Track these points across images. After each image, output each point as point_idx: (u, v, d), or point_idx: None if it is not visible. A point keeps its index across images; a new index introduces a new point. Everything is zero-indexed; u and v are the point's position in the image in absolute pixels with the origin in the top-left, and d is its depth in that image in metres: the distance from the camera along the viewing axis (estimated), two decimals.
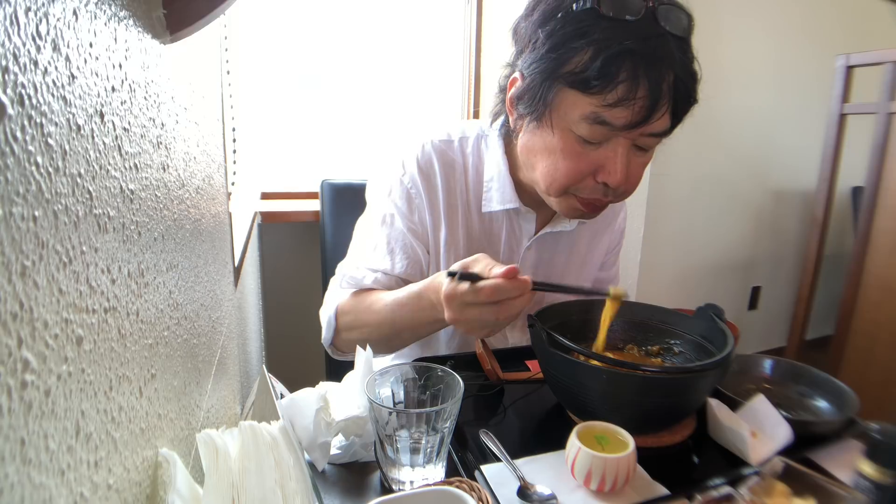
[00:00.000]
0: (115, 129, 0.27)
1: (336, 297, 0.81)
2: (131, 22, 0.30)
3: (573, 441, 0.50)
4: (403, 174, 0.79)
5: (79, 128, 0.22)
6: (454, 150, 0.81)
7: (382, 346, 0.76)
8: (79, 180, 0.22)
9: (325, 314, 0.82)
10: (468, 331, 0.61)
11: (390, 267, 0.79)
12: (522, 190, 0.79)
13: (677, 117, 0.64)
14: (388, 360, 0.91)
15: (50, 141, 0.19)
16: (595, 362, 0.56)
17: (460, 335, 0.87)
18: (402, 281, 0.80)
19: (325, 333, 0.82)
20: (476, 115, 1.73)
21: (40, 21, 0.19)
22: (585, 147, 0.64)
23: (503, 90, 0.73)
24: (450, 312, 0.60)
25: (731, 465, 0.56)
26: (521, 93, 0.66)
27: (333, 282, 0.85)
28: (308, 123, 1.59)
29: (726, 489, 0.47)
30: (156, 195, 0.34)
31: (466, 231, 0.81)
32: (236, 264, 0.79)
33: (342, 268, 0.84)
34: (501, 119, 0.78)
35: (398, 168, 0.80)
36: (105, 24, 0.26)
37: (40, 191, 0.19)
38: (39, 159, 0.19)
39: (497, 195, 0.79)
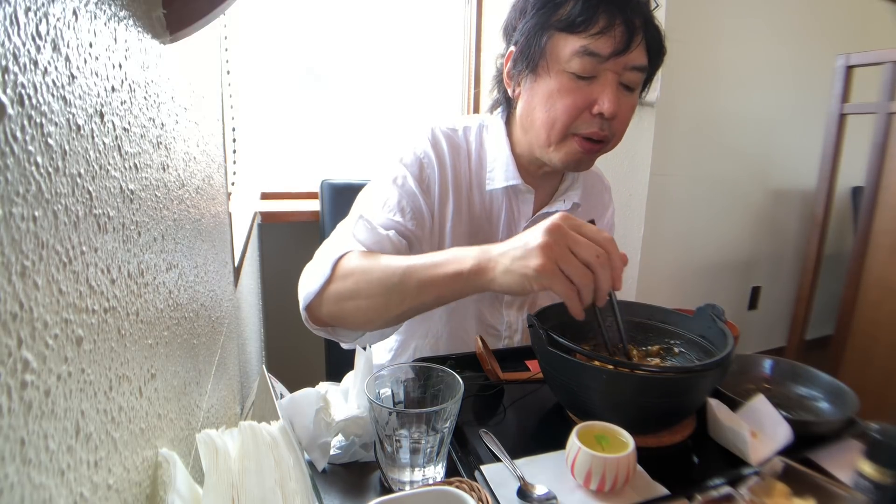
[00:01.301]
0: (115, 129, 0.27)
1: (339, 249, 0.71)
2: (131, 22, 0.30)
3: (573, 441, 0.50)
4: (416, 147, 0.82)
5: (79, 128, 0.22)
6: (459, 137, 0.86)
7: (376, 302, 0.66)
8: (79, 180, 0.22)
9: (318, 266, 0.71)
10: (548, 254, 0.53)
11: (402, 221, 0.77)
12: (522, 168, 0.84)
13: (653, 60, 0.74)
14: (387, 356, 0.91)
15: (50, 141, 0.19)
16: (595, 362, 0.56)
17: (457, 314, 0.86)
18: (413, 244, 0.78)
19: (311, 286, 0.69)
20: (476, 113, 1.73)
21: (40, 21, 0.19)
22: (579, 83, 0.72)
23: (500, 72, 0.81)
24: (560, 221, 0.55)
25: (731, 465, 0.56)
26: (517, 54, 0.76)
27: (328, 243, 0.75)
28: (308, 123, 1.59)
29: (726, 489, 0.47)
30: (156, 195, 0.34)
31: (469, 210, 0.84)
32: (236, 264, 0.79)
33: (343, 227, 0.77)
34: (501, 107, 0.85)
35: (409, 144, 0.83)
36: (105, 24, 0.26)
37: (40, 191, 0.19)
38: (39, 159, 0.19)
39: (500, 173, 0.83)
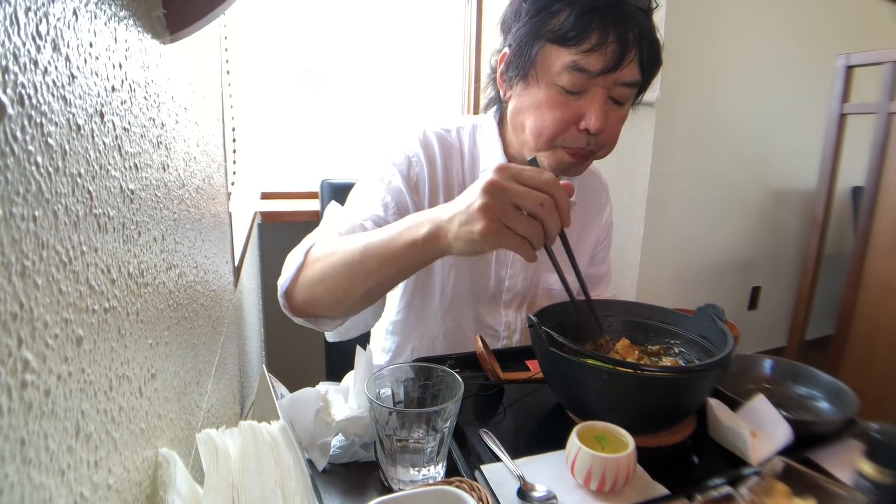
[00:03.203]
0: (115, 129, 0.27)
1: (313, 238, 0.73)
2: (131, 22, 0.30)
3: (573, 441, 0.50)
4: (406, 147, 0.82)
5: (79, 128, 0.22)
6: (451, 137, 0.85)
7: (342, 282, 0.65)
8: (79, 180, 0.22)
9: (294, 255, 0.71)
10: (490, 216, 0.51)
11: (383, 215, 0.76)
12: None
13: (645, 73, 0.73)
14: (384, 357, 0.91)
15: (50, 141, 0.19)
16: (595, 362, 0.56)
17: (454, 314, 0.85)
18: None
19: (286, 275, 0.69)
20: (476, 114, 1.73)
21: (40, 21, 0.19)
22: (567, 97, 0.71)
23: (494, 70, 0.81)
24: (497, 177, 0.52)
25: (731, 465, 0.56)
26: (510, 59, 0.76)
27: (313, 234, 0.76)
28: (308, 123, 1.59)
29: (726, 489, 0.47)
30: (156, 195, 0.34)
31: None
32: (236, 264, 0.79)
33: (326, 218, 0.78)
34: (495, 107, 0.85)
35: (399, 144, 0.83)
36: (105, 24, 0.26)
37: (40, 191, 0.19)
38: (39, 159, 0.19)
39: None
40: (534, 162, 0.59)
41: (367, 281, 0.63)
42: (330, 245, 0.68)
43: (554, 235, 0.53)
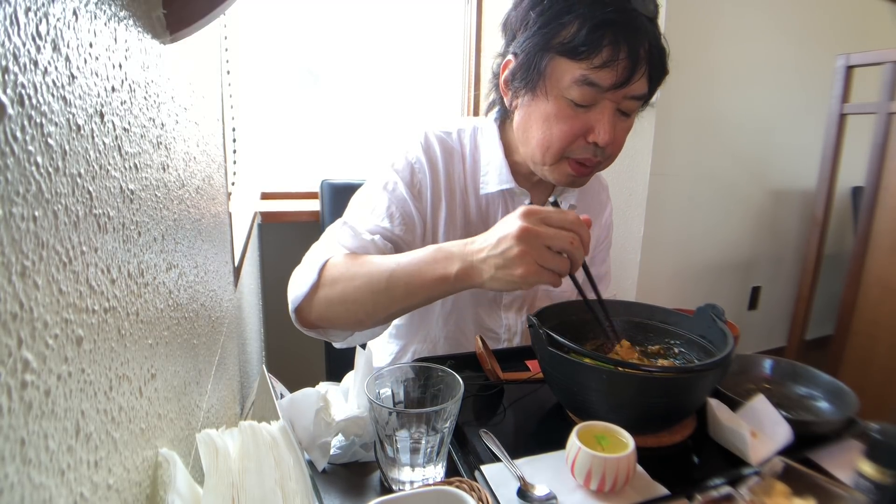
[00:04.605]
0: (115, 129, 0.27)
1: (324, 254, 0.72)
2: (131, 22, 0.30)
3: (573, 441, 0.50)
4: (408, 152, 0.82)
5: (79, 128, 0.22)
6: (452, 140, 0.85)
7: (365, 306, 0.67)
8: (79, 180, 0.22)
9: (305, 270, 0.72)
10: (528, 260, 0.56)
11: (390, 227, 0.77)
12: (517, 173, 0.84)
13: (653, 84, 0.73)
14: (386, 361, 0.91)
15: (50, 141, 0.19)
16: (595, 362, 0.56)
17: (455, 317, 0.86)
18: (401, 249, 0.78)
19: (299, 290, 0.70)
20: (476, 114, 1.73)
21: (40, 21, 0.19)
22: (577, 110, 0.71)
23: (496, 76, 0.80)
24: (524, 223, 0.57)
25: (731, 465, 0.56)
26: (516, 69, 0.74)
27: (316, 246, 0.77)
28: (308, 123, 1.59)
29: (726, 489, 0.47)
30: (156, 195, 0.34)
31: (464, 214, 0.84)
32: (236, 264, 0.79)
33: (332, 230, 0.79)
34: (496, 109, 0.84)
35: (401, 149, 0.83)
36: (105, 24, 0.26)
37: (40, 191, 0.19)
38: (39, 159, 0.19)
39: (494, 177, 0.83)
40: (555, 203, 0.65)
41: (391, 306, 0.67)
42: (348, 266, 0.69)
43: (579, 266, 0.59)
